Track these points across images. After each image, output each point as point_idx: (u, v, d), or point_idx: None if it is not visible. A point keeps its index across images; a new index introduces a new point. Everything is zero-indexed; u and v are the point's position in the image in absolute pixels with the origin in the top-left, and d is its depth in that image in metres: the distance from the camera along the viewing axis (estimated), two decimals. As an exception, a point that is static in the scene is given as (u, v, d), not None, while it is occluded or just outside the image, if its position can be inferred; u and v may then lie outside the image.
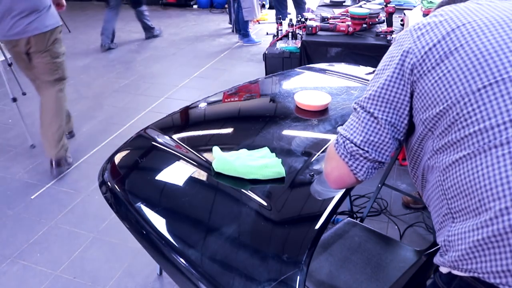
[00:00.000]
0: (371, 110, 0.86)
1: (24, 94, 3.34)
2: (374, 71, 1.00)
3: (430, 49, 0.79)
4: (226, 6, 6.31)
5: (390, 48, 0.89)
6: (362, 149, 0.86)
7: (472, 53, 0.74)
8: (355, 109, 0.91)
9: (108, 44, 5.22)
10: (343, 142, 0.89)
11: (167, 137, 1.46)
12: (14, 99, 3.16)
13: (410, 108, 0.85)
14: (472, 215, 0.73)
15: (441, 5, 0.98)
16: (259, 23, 6.18)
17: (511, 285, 0.68)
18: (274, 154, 1.27)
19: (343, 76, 1.93)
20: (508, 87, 0.70)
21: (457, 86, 0.75)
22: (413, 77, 0.81)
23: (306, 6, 5.01)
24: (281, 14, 5.00)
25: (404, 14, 3.12)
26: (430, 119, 0.80)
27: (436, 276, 0.84)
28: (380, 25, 3.11)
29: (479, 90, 0.72)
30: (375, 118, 0.85)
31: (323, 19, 3.26)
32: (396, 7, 3.25)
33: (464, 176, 0.74)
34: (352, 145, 0.87)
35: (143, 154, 1.43)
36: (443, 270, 0.81)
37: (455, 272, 0.77)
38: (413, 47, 0.81)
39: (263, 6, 6.59)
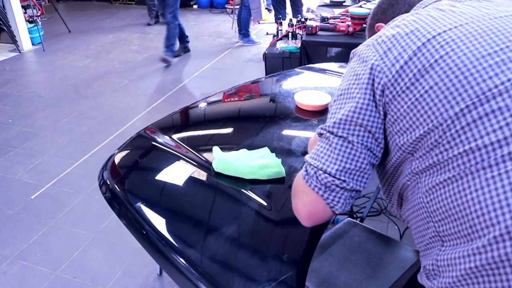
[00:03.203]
0: (344, 135, 0.76)
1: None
2: None
3: (401, 67, 0.71)
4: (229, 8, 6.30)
5: (351, 65, 0.80)
6: (339, 179, 0.76)
7: (449, 69, 0.68)
8: (321, 134, 0.80)
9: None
10: (315, 173, 0.78)
11: (167, 137, 1.46)
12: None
13: (384, 130, 0.77)
14: (463, 241, 0.68)
15: (381, 5, 0.95)
16: (259, 23, 6.18)
17: None
18: (274, 154, 1.27)
19: (343, 76, 1.93)
20: (492, 104, 0.65)
21: (437, 108, 0.68)
22: (384, 98, 0.73)
23: (306, 7, 5.02)
24: (280, 14, 5.00)
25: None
26: (409, 144, 0.73)
27: None
28: (380, 25, 3.11)
29: (461, 110, 0.67)
30: (350, 142, 0.76)
31: (323, 19, 3.26)
32: (396, 7, 3.25)
33: (451, 199, 0.69)
34: (327, 175, 0.77)
35: (143, 154, 1.43)
36: None
37: None
38: (381, 65, 0.73)
39: (269, 10, 6.56)
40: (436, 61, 0.69)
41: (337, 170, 0.76)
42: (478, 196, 0.65)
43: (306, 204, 0.82)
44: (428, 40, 0.71)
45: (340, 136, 0.76)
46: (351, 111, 0.76)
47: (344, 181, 0.77)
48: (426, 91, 0.69)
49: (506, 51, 0.68)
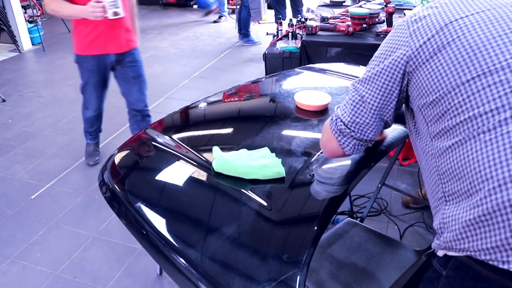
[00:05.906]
0: (363, 93, 0.95)
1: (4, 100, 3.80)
2: None
3: (424, 42, 0.86)
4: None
5: (390, 35, 0.96)
6: (349, 128, 0.98)
7: (463, 47, 0.81)
8: (351, 89, 0.99)
9: None
10: (336, 119, 1.00)
11: (167, 137, 1.46)
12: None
13: (399, 95, 0.93)
14: (464, 197, 0.79)
15: None
16: (259, 23, 6.18)
17: (499, 260, 0.73)
18: (274, 154, 1.27)
19: (343, 76, 1.93)
20: (494, 77, 0.77)
21: (448, 78, 0.82)
22: (408, 68, 0.89)
23: (306, 7, 5.02)
24: (280, 14, 5.00)
25: (404, 14, 3.11)
26: (426, 106, 0.87)
27: (434, 261, 0.88)
28: (380, 25, 3.11)
29: (468, 81, 0.79)
30: (364, 101, 0.95)
31: (323, 19, 3.25)
32: (396, 7, 3.25)
33: (456, 161, 0.80)
34: (341, 123, 0.99)
35: (143, 154, 1.43)
36: (439, 253, 0.85)
37: (450, 253, 0.82)
38: (409, 40, 0.89)
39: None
40: (453, 40, 0.82)
41: (348, 121, 0.98)
42: (478, 156, 0.76)
43: (327, 141, 1.06)
44: (451, 22, 0.84)
45: (359, 94, 0.96)
46: (373, 73, 0.94)
47: (353, 130, 0.98)
48: (441, 64, 0.83)
49: None
